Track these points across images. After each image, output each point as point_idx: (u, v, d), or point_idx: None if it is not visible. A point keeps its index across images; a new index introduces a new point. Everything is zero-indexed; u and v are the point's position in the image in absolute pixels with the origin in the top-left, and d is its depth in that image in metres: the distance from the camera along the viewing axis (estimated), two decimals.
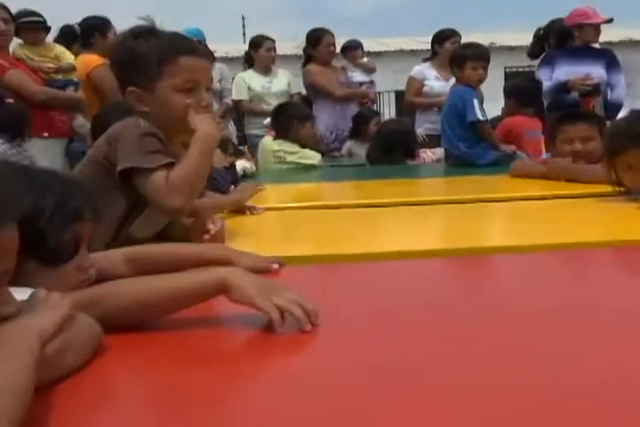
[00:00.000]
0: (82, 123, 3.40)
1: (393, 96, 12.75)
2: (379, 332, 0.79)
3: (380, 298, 0.94)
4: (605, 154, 1.84)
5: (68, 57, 3.47)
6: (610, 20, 3.83)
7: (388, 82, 10.80)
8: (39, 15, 3.45)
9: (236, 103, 4.38)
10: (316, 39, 4.36)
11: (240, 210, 1.81)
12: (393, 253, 1.28)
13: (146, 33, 1.31)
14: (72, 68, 3.45)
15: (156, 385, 0.67)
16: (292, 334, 0.76)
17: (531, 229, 1.59)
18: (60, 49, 3.48)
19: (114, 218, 1.29)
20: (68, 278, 0.84)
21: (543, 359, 0.67)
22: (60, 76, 3.43)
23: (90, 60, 3.49)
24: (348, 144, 4.22)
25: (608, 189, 1.97)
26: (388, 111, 12.18)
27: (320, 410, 0.57)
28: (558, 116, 2.56)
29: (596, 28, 3.81)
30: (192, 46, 1.33)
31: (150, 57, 1.28)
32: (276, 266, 1.09)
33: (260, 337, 0.77)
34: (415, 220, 1.78)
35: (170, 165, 1.24)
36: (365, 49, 5.02)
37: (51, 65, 3.37)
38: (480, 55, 3.16)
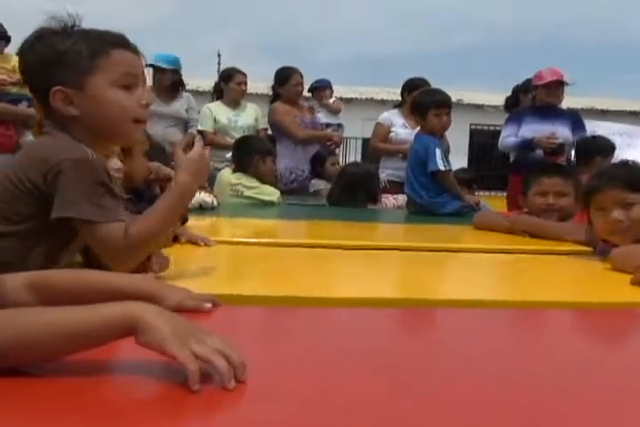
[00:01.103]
0: (31, 140, 3.22)
1: (360, 143, 12.87)
2: (310, 391, 0.65)
3: (317, 349, 0.81)
4: (583, 195, 1.79)
5: None
6: (557, 82, 3.84)
7: (355, 129, 10.91)
8: None
9: (200, 133, 4.27)
10: (285, 78, 4.31)
11: (192, 240, 1.69)
12: (341, 299, 1.18)
13: (66, 29, 1.15)
14: None
15: None
16: (211, 392, 0.61)
17: (489, 283, 1.52)
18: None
19: (38, 254, 1.11)
20: None
21: None
22: (14, 90, 3.26)
23: None
24: (315, 182, 4.12)
25: (573, 246, 1.91)
26: (354, 158, 12.27)
27: None
28: (537, 168, 2.52)
29: (550, 89, 3.83)
30: (126, 40, 1.18)
31: (80, 50, 1.12)
32: (208, 305, 0.94)
33: (169, 393, 0.61)
34: (370, 265, 1.68)
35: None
36: (337, 95, 5.00)
37: (5, 77, 3.21)
38: (441, 102, 3.08)
